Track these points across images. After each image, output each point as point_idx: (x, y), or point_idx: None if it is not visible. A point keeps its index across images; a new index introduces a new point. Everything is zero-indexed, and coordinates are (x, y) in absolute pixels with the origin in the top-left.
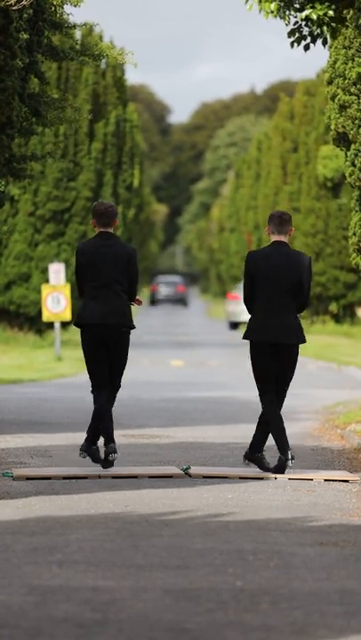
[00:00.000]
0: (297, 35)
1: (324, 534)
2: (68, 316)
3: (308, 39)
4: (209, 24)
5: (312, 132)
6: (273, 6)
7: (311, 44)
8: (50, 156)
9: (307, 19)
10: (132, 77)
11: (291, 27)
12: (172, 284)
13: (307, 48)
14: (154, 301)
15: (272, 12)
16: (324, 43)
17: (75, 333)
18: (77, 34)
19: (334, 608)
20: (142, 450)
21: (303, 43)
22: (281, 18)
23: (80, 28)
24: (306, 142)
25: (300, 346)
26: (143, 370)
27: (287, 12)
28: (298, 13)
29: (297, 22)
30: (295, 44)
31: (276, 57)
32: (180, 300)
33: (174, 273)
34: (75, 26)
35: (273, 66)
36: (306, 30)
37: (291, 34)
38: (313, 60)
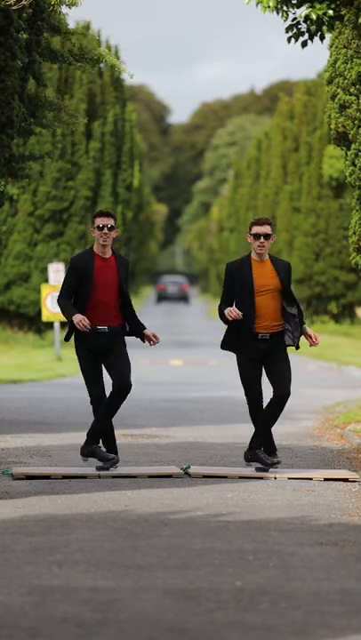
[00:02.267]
0: (295, 30)
1: (323, 534)
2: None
3: (306, 36)
4: (212, 25)
5: (316, 132)
6: (271, 1)
7: (309, 41)
8: (48, 156)
9: (306, 18)
10: (135, 77)
11: (289, 22)
12: (176, 283)
13: (304, 45)
14: (160, 299)
15: (269, 6)
16: (322, 38)
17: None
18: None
19: (334, 608)
20: (142, 450)
21: (301, 39)
22: (278, 13)
23: (78, 32)
24: (307, 142)
25: (301, 345)
26: (143, 370)
27: (285, 8)
28: (296, 9)
29: (295, 18)
30: (293, 40)
31: (280, 57)
32: (184, 298)
33: (174, 273)
34: (73, 33)
35: (277, 66)
36: (304, 27)
37: (289, 29)
38: (315, 60)
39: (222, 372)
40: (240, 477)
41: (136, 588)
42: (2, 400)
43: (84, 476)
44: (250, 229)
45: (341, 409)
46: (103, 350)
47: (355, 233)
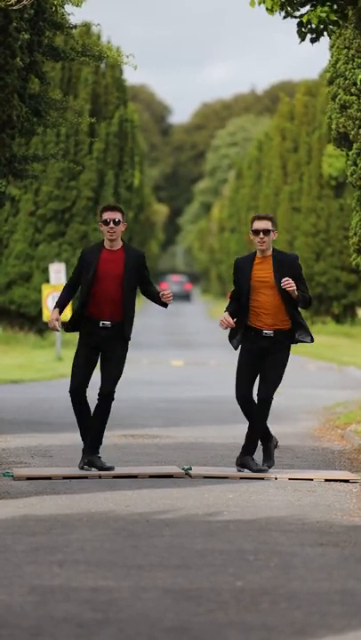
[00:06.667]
0: (306, 28)
1: (324, 534)
2: (68, 316)
3: (314, 34)
4: (213, 25)
5: (315, 132)
6: (274, 2)
7: (317, 39)
8: (53, 157)
9: (308, 21)
10: (138, 78)
11: (297, 20)
12: (179, 282)
13: (313, 41)
14: None
15: (273, 7)
16: (330, 34)
17: (75, 334)
18: (77, 32)
19: (334, 608)
20: (143, 450)
21: (309, 36)
22: (282, 10)
23: (79, 28)
24: (307, 142)
25: (302, 345)
26: (143, 370)
27: (289, 9)
28: (300, 8)
29: (300, 17)
30: (304, 37)
31: (283, 58)
32: (186, 296)
33: (177, 273)
34: (75, 26)
35: (279, 67)
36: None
37: (300, 26)
38: (317, 61)
39: (223, 373)
40: (241, 478)
41: (137, 588)
42: (2, 400)
43: (84, 477)
44: (251, 225)
45: (342, 409)
46: (103, 345)
47: (355, 234)
